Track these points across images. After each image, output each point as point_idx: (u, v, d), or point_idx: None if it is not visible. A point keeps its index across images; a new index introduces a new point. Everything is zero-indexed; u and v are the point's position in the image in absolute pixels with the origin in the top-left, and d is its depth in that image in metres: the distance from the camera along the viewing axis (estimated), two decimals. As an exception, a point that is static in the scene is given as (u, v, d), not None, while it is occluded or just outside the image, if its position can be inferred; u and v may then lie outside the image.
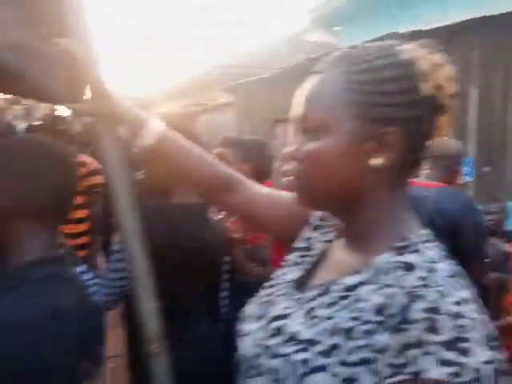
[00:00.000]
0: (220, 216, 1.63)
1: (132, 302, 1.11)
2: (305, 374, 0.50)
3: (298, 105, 0.61)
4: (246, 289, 1.58)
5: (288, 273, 0.69)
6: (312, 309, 0.56)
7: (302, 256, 0.70)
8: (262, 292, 0.69)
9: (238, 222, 1.68)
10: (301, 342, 0.53)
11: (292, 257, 0.72)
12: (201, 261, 1.25)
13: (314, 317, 0.54)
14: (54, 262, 0.77)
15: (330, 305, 0.54)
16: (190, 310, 1.27)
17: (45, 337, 0.70)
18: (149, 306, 0.88)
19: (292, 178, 0.61)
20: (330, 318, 0.52)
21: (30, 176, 0.75)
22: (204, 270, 1.29)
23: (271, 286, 0.68)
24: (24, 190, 0.74)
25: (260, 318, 0.62)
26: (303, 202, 0.62)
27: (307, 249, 0.71)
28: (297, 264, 0.70)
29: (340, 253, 0.63)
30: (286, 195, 0.84)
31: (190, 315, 1.27)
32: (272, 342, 0.55)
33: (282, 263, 0.73)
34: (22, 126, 5.60)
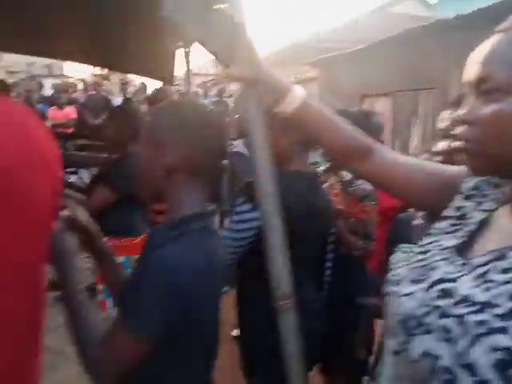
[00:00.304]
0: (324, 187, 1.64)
1: (252, 261, 1.18)
2: (481, 335, 0.51)
3: (474, 66, 0.59)
4: (348, 262, 1.61)
5: (440, 240, 0.69)
6: (484, 273, 0.55)
7: (454, 225, 0.70)
8: (412, 258, 0.70)
9: (340, 194, 1.69)
10: (475, 303, 0.53)
11: (442, 225, 0.71)
12: (312, 228, 1.28)
13: (489, 281, 0.54)
14: (205, 216, 0.84)
15: (508, 270, 0.53)
16: (299, 276, 1.31)
17: (205, 283, 0.78)
18: (280, 263, 0.93)
19: (464, 142, 0.60)
20: (508, 283, 0.52)
21: (195, 137, 0.81)
22: (314, 238, 1.32)
23: (422, 253, 0.69)
24: (189, 150, 0.80)
25: (417, 281, 0.64)
26: (476, 168, 0.61)
27: (460, 217, 0.70)
28: (448, 232, 0.69)
29: (508, 220, 0.61)
30: (428, 164, 0.83)
31: (300, 281, 1.31)
32: (441, 302, 0.56)
33: (430, 231, 0.73)
34: (117, 99, 6.01)
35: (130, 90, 7.16)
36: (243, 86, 0.88)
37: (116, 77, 8.89)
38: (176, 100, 0.86)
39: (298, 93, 0.85)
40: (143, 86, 6.38)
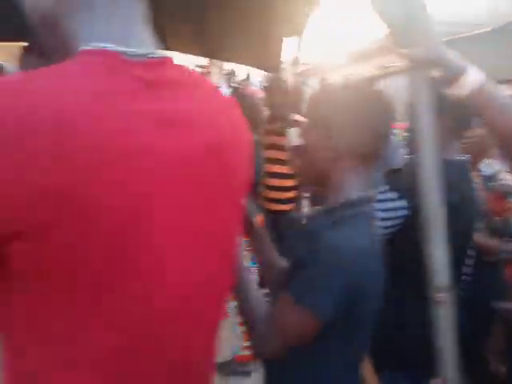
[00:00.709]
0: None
1: (398, 251, 1.14)
2: None
3: None
4: (487, 263, 1.49)
5: None
6: None
7: None
8: None
9: (482, 190, 1.56)
10: None
11: None
12: (459, 219, 1.20)
13: None
14: (368, 200, 0.83)
15: None
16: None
17: (368, 266, 0.77)
18: (441, 253, 0.89)
19: None
20: None
21: (363, 122, 0.79)
22: (460, 230, 1.24)
23: None
24: (357, 135, 0.79)
25: None
26: None
27: None
28: None
29: None
30: None
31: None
32: None
33: None
34: (223, 89, 6.26)
35: (235, 79, 7.38)
36: (414, 68, 0.85)
37: (218, 67, 9.21)
38: (345, 84, 0.85)
39: (473, 75, 0.80)
40: (248, 76, 6.54)
